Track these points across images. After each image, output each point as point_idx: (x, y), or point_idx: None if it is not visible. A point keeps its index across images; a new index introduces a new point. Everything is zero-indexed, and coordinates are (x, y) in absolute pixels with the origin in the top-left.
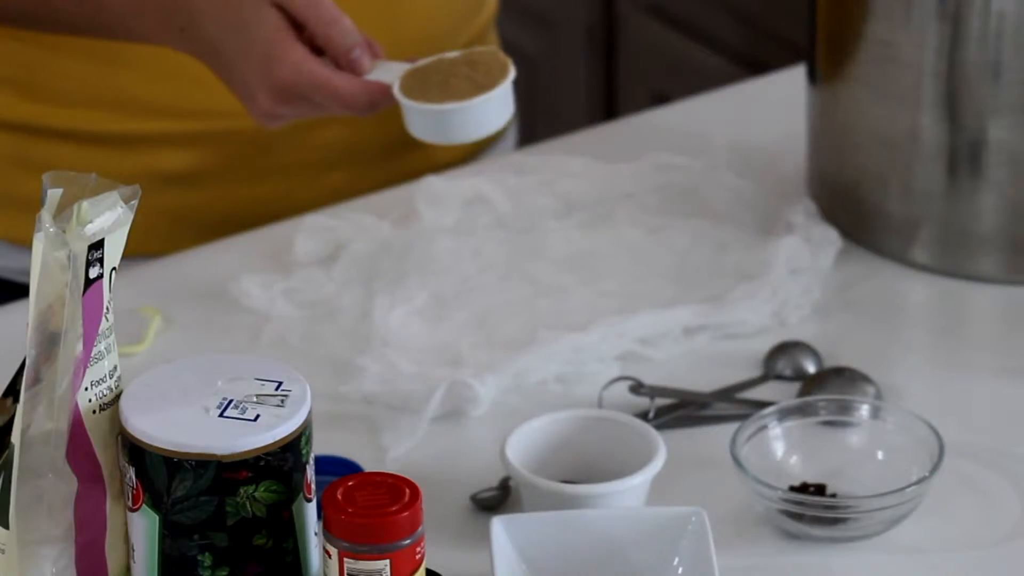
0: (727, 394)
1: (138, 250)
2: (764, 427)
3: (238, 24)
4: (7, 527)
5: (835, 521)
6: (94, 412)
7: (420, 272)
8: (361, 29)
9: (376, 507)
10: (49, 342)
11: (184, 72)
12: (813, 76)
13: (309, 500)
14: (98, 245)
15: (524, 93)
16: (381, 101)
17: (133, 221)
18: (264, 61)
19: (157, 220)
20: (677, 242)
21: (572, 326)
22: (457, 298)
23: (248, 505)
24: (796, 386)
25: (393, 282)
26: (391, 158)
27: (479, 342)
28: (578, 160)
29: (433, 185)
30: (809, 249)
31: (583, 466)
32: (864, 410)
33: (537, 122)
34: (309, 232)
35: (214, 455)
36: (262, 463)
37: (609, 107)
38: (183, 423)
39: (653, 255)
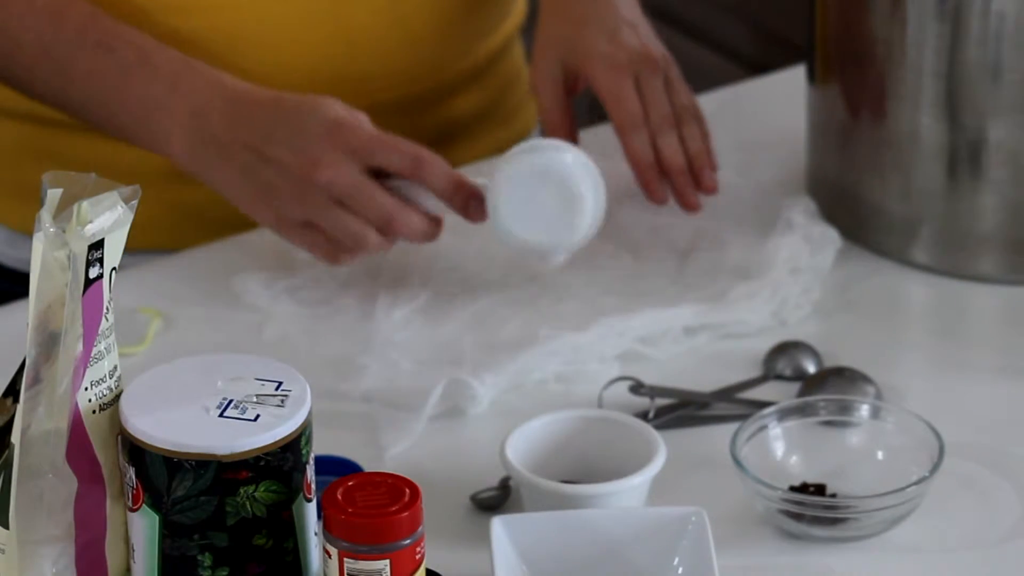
0: (727, 394)
1: (144, 245)
2: (764, 427)
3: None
4: (7, 527)
5: (835, 521)
6: (94, 412)
7: (422, 271)
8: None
9: (376, 507)
10: (49, 342)
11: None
12: (813, 76)
13: (309, 500)
14: (98, 245)
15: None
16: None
17: (139, 214)
18: (336, 126)
19: (163, 214)
20: (677, 241)
21: (572, 326)
22: (458, 297)
23: (248, 505)
24: (796, 386)
25: (395, 281)
26: None
27: (479, 341)
28: None
29: None
30: (809, 249)
31: (583, 466)
32: (864, 410)
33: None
34: None
35: (214, 455)
36: (262, 463)
37: None
38: (183, 423)
39: (653, 254)
